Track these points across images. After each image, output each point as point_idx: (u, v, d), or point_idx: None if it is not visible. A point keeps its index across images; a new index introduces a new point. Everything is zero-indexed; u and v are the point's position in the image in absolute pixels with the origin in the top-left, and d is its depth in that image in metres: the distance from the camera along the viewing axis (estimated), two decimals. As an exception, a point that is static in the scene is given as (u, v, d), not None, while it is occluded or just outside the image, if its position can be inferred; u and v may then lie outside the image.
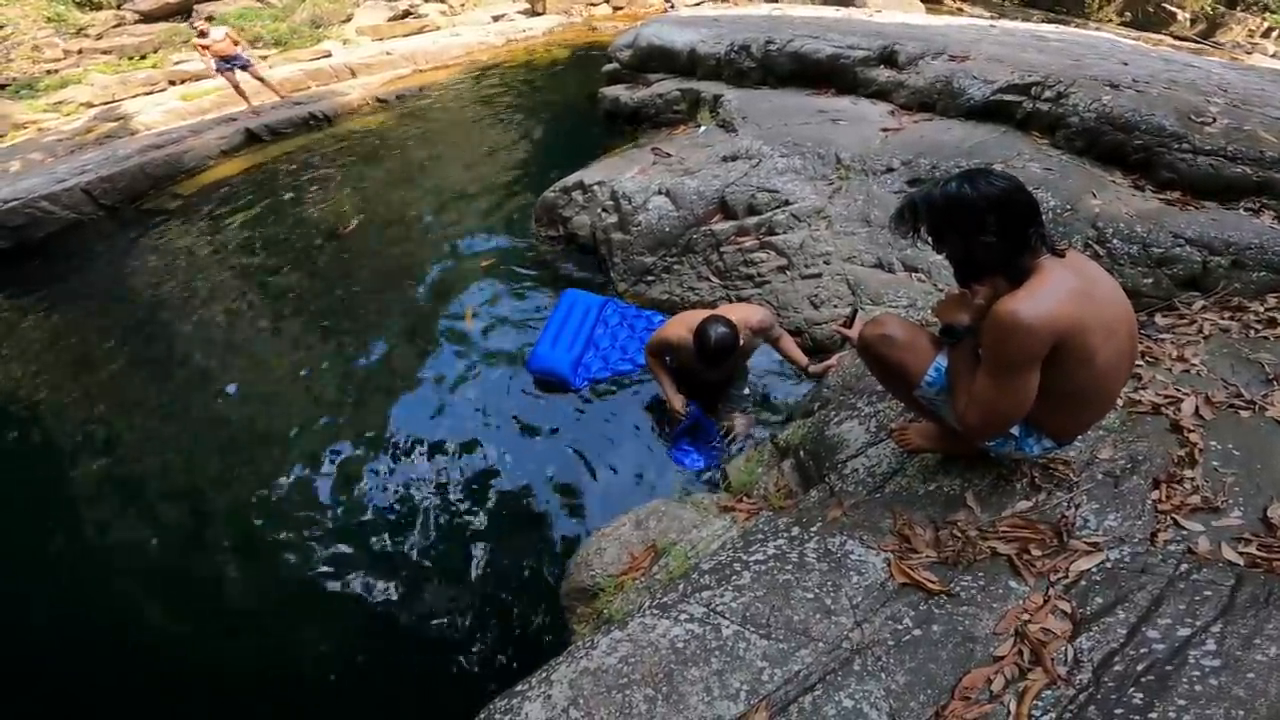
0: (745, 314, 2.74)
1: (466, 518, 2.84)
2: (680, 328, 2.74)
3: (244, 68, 8.03)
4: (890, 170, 3.62)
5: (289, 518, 2.94)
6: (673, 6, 12.78)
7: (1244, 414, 1.94)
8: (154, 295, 4.88)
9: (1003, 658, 1.35)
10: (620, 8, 13.13)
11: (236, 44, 7.94)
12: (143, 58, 10.50)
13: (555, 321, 3.45)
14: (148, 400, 3.80)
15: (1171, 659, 1.26)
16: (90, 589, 2.81)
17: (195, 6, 11.66)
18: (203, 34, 7.73)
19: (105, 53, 10.44)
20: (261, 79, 8.24)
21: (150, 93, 9.26)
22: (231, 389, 3.78)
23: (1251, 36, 13.47)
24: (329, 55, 10.23)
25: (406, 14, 12.24)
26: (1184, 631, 1.31)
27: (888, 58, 4.65)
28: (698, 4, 12.83)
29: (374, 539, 2.79)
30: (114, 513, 3.14)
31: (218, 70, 7.92)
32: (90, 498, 3.23)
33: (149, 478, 3.29)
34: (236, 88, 8.12)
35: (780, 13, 7.05)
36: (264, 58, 10.27)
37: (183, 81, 9.47)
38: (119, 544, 2.98)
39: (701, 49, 5.50)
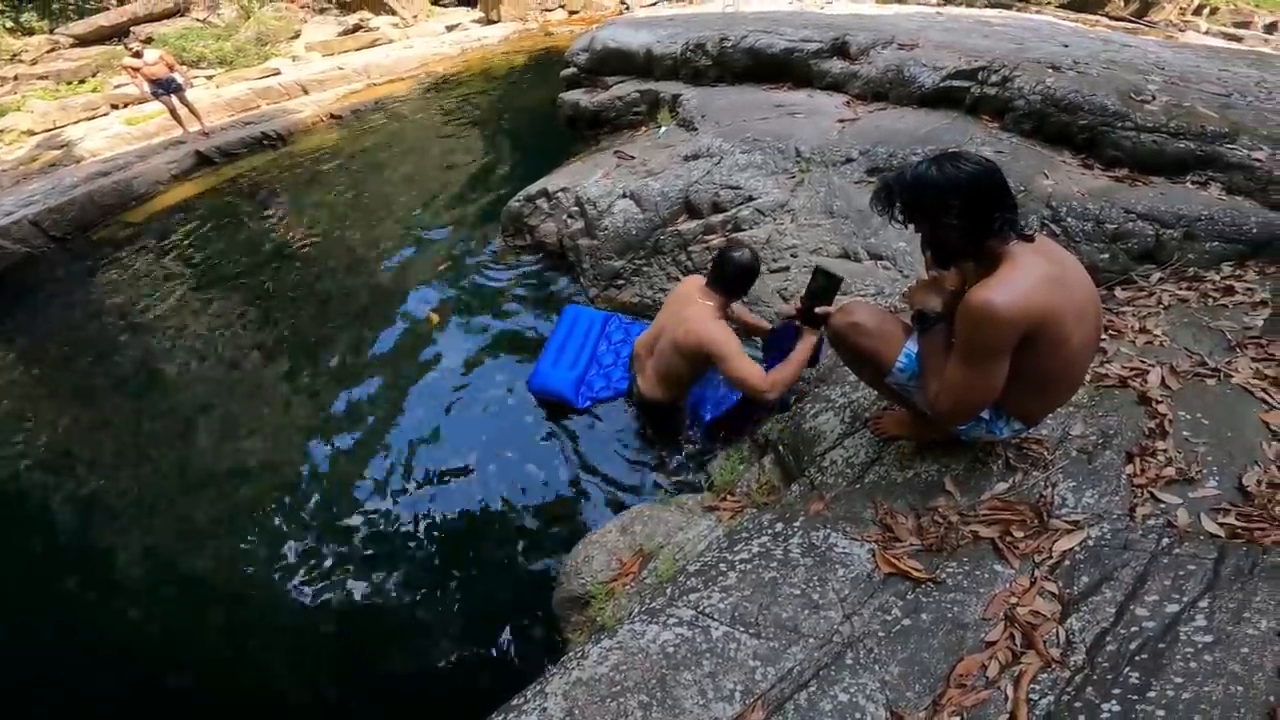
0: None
1: (455, 533, 2.80)
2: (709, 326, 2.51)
3: (177, 91, 7.74)
4: (849, 161, 3.65)
5: (275, 539, 2.88)
6: (628, 8, 12.81)
7: (1210, 382, 1.98)
8: (113, 327, 4.73)
9: (994, 643, 1.34)
10: (575, 12, 13.13)
11: (171, 67, 7.63)
12: (81, 82, 10.16)
13: (557, 339, 3.34)
14: (114, 431, 3.68)
15: (1163, 636, 1.26)
16: (65, 618, 2.75)
17: (132, 28, 11.32)
18: (137, 55, 7.46)
19: (42, 78, 10.07)
20: (188, 104, 7.91)
21: (92, 118, 8.95)
22: (202, 415, 3.68)
23: (1183, 14, 13.98)
24: (278, 73, 10.01)
25: (357, 28, 12.05)
26: (1172, 608, 1.31)
27: (840, 49, 4.70)
28: (653, 4, 12.89)
29: (364, 558, 2.74)
30: (86, 544, 3.06)
31: (152, 94, 7.64)
32: (59, 531, 3.14)
33: (120, 508, 3.18)
34: (173, 112, 7.83)
35: (734, 9, 7.10)
36: (210, 78, 10.00)
37: (125, 105, 9.18)
38: (93, 578, 2.89)
39: (658, 49, 5.49)
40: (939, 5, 11.28)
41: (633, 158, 4.31)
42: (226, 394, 3.84)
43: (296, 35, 11.96)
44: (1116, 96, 3.33)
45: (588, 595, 2.07)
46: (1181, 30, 12.68)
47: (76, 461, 3.54)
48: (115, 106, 9.23)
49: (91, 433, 3.73)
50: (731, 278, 2.47)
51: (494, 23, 12.61)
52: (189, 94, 7.98)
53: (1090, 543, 1.52)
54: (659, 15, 7.41)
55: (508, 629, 2.41)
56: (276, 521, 2.96)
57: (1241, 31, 13.38)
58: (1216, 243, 2.73)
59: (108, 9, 11.58)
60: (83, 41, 11.16)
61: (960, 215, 1.38)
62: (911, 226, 1.50)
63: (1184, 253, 2.75)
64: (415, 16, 13.02)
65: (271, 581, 2.71)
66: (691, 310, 2.51)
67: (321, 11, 13.20)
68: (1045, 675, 1.26)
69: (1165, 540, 1.48)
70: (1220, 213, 2.77)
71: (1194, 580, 1.36)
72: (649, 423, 2.99)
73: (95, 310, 4.99)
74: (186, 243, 5.83)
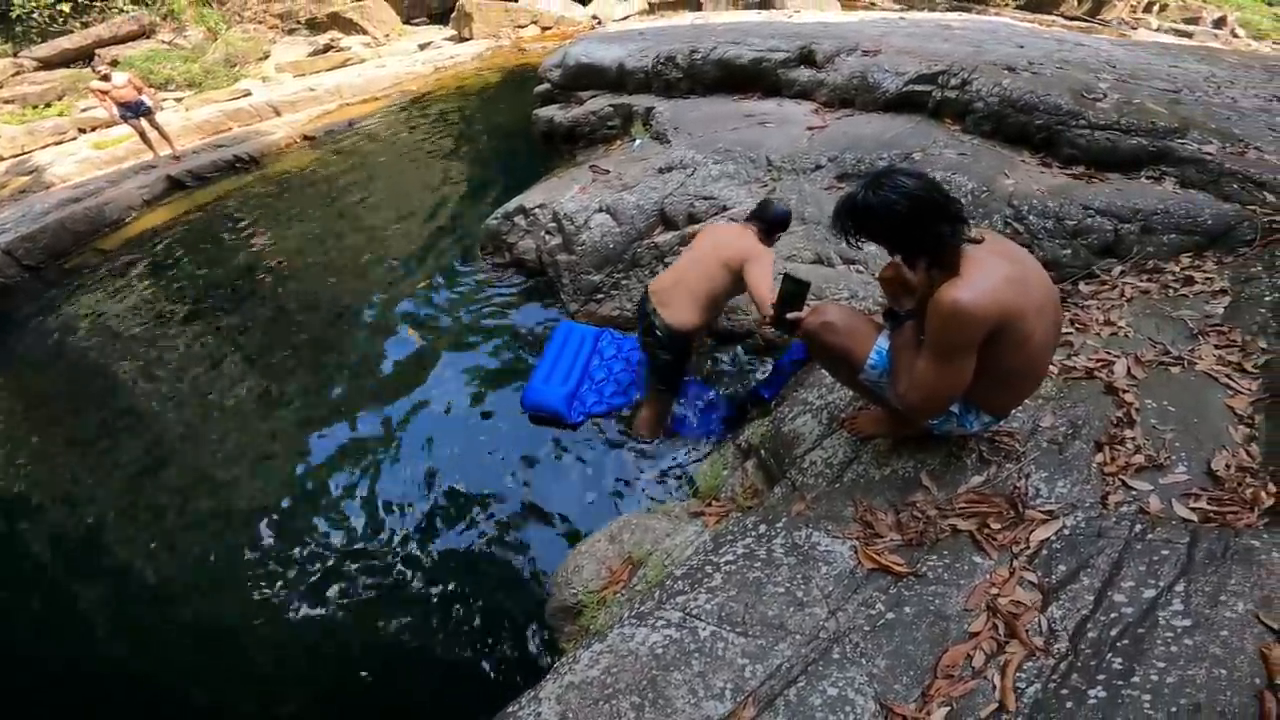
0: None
1: (446, 549, 2.80)
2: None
3: (147, 114, 7.64)
4: (819, 168, 3.72)
5: (265, 561, 2.87)
6: (600, 23, 12.92)
7: (1174, 370, 2.05)
8: (89, 357, 4.64)
9: (978, 633, 1.37)
10: (548, 28, 13.19)
11: (140, 90, 7.54)
12: (48, 105, 10.00)
13: (549, 355, 3.36)
14: (91, 461, 3.61)
15: (1142, 621, 1.29)
16: (41, 649, 2.71)
17: (96, 51, 11.18)
18: (105, 78, 7.37)
19: (7, 102, 9.89)
20: (158, 128, 7.82)
21: (60, 142, 8.81)
22: (182, 442, 3.64)
23: (1134, 12, 14.44)
24: (248, 94, 9.93)
25: (328, 48, 12.00)
26: (1149, 593, 1.35)
27: (806, 58, 4.80)
28: (624, 19, 13.01)
29: (356, 578, 2.73)
30: (70, 576, 3.02)
31: (121, 118, 7.55)
32: (39, 568, 3.09)
33: (108, 543, 3.13)
34: (143, 136, 7.73)
35: (703, 22, 7.21)
36: (179, 100, 9.90)
37: (93, 129, 9.05)
38: (84, 606, 2.86)
39: (629, 63, 5.56)
40: (902, 10, 11.53)
41: (608, 172, 4.35)
42: (206, 420, 3.78)
43: (266, 56, 11.88)
44: (1070, 96, 3.43)
45: (580, 604, 2.08)
46: (1133, 28, 13.09)
47: (50, 493, 3.48)
48: (83, 130, 9.10)
49: (68, 463, 3.66)
50: (773, 218, 2.72)
51: (466, 40, 12.63)
52: (158, 117, 7.89)
53: (1066, 532, 1.55)
54: (630, 29, 7.52)
55: (502, 642, 2.41)
56: (266, 544, 2.94)
57: (1191, 27, 13.85)
58: (1174, 235, 2.82)
59: (72, 31, 11.43)
60: (47, 65, 10.99)
61: (904, 232, 1.44)
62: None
63: (1143, 246, 2.84)
64: (387, 35, 13.02)
65: (265, 601, 2.70)
66: (743, 239, 2.70)
67: (291, 32, 13.13)
68: (1030, 664, 1.28)
69: (1138, 527, 1.51)
70: (1175, 206, 2.86)
71: (1168, 565, 1.39)
72: (666, 363, 2.94)
73: (71, 340, 4.90)
74: (161, 270, 5.75)
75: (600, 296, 3.75)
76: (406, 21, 13.95)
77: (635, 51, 5.59)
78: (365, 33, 12.76)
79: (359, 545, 2.85)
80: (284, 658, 2.53)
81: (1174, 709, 1.12)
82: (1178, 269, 2.70)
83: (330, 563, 2.80)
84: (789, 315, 1.86)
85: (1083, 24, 12.44)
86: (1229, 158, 3.00)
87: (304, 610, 2.64)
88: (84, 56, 11.20)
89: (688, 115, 4.75)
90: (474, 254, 4.76)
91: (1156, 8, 14.80)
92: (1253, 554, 1.36)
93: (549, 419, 3.19)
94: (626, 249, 3.71)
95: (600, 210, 3.86)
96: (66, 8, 11.52)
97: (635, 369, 3.32)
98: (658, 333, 2.79)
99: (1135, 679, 1.18)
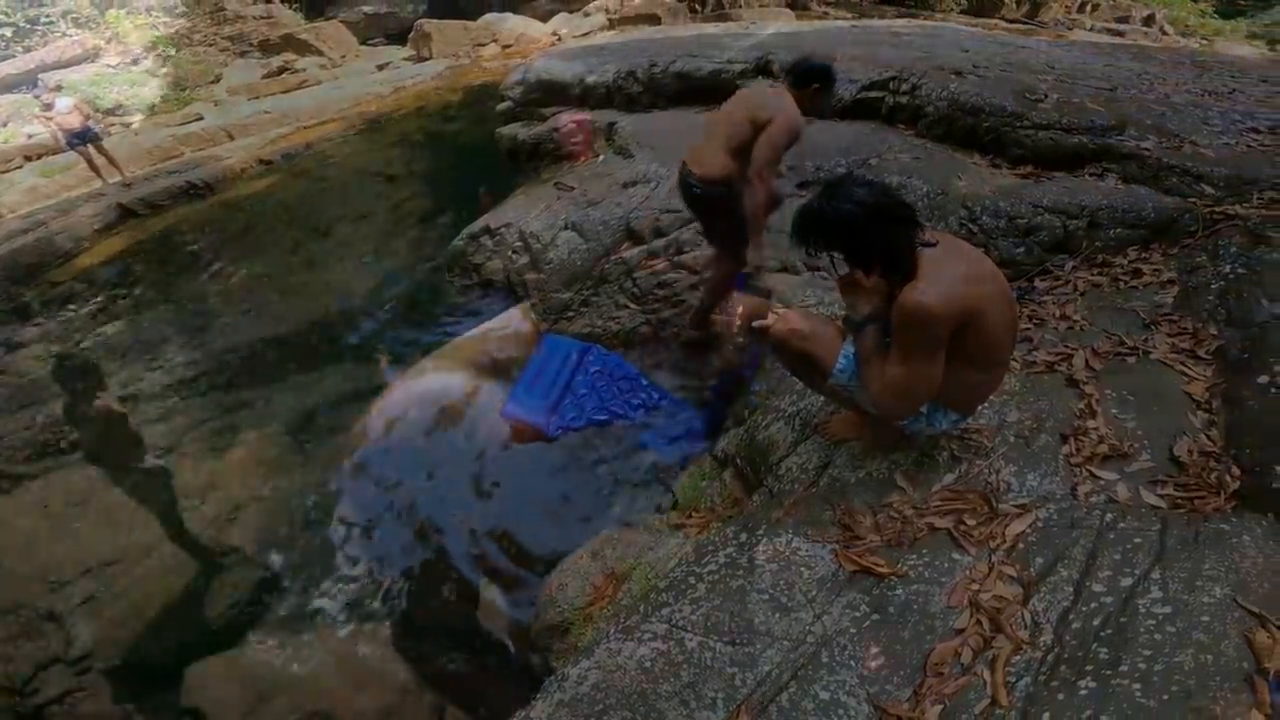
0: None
1: (429, 571, 2.77)
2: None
3: (94, 141, 7.44)
4: (780, 176, 3.77)
5: (244, 592, 2.84)
6: (560, 40, 12.97)
7: (1130, 360, 2.12)
8: (45, 393, 4.48)
9: (964, 630, 1.38)
10: (508, 46, 13.20)
11: (86, 116, 7.34)
12: (-9, 132, 9.70)
13: (533, 367, 3.34)
14: (55, 498, 3.49)
15: (1123, 610, 1.32)
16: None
17: (40, 76, 10.86)
18: (48, 106, 7.15)
19: (-50, 132, 9.57)
20: (106, 154, 7.62)
21: (6, 171, 8.53)
22: (147, 478, 3.56)
23: (1069, 13, 15.07)
24: (200, 118, 9.73)
25: (282, 70, 11.83)
26: (1127, 581, 1.37)
27: (764, 68, 4.89)
28: (585, 35, 13.09)
29: (335, 606, 2.70)
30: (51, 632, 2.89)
31: (68, 145, 7.32)
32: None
33: (67, 581, 3.02)
34: (90, 163, 7.51)
35: (663, 36, 7.30)
36: (127, 125, 9.65)
37: (39, 156, 8.77)
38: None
39: (590, 79, 5.58)
40: (853, 19, 11.82)
41: (573, 188, 4.34)
42: (167, 453, 3.68)
43: (218, 79, 11.67)
44: (1013, 97, 3.56)
45: (566, 622, 2.05)
46: (1069, 29, 13.62)
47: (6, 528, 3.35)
48: (29, 158, 8.83)
49: (23, 499, 3.53)
50: (802, 69, 2.65)
51: (426, 60, 12.57)
52: (106, 143, 7.67)
53: (1040, 524, 1.58)
54: (590, 45, 7.56)
55: (490, 664, 2.39)
56: (239, 576, 2.90)
57: (1123, 26, 14.50)
58: (1120, 229, 2.92)
59: (13, 56, 11.10)
60: (-12, 92, 10.67)
61: (860, 241, 1.48)
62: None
63: (1091, 241, 2.93)
64: (343, 56, 12.89)
65: (242, 633, 2.65)
66: (773, 95, 2.67)
67: (243, 54, 12.92)
68: (1018, 658, 1.30)
69: (1109, 516, 1.55)
70: (1119, 201, 2.97)
71: (1142, 553, 1.42)
72: (711, 224, 2.96)
73: (24, 376, 4.73)
74: (116, 301, 5.59)
75: (570, 314, 3.72)
76: (363, 42, 13.85)
77: (596, 67, 5.62)
78: (320, 54, 12.62)
79: (337, 573, 2.80)
80: (267, 689, 2.46)
81: (1165, 696, 1.13)
82: (1126, 262, 2.79)
83: (308, 593, 2.75)
84: (755, 324, 1.89)
85: (1023, 26, 12.90)
86: (1166, 152, 3.13)
87: (285, 642, 2.58)
88: (27, 82, 10.89)
89: (650, 128, 4.78)
90: (440, 276, 4.71)
91: (1089, 8, 15.45)
92: (1224, 538, 1.40)
93: (529, 433, 3.16)
94: (594, 265, 3.70)
95: (566, 227, 3.85)
96: (8, 32, 11.18)
97: (619, 384, 3.31)
98: (695, 190, 2.78)
99: (1123, 668, 1.20)
